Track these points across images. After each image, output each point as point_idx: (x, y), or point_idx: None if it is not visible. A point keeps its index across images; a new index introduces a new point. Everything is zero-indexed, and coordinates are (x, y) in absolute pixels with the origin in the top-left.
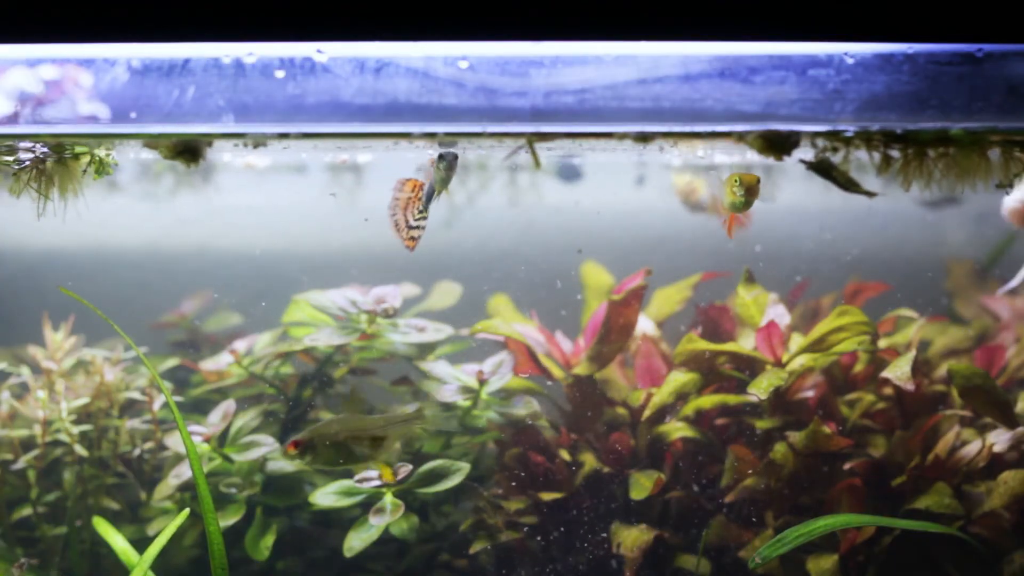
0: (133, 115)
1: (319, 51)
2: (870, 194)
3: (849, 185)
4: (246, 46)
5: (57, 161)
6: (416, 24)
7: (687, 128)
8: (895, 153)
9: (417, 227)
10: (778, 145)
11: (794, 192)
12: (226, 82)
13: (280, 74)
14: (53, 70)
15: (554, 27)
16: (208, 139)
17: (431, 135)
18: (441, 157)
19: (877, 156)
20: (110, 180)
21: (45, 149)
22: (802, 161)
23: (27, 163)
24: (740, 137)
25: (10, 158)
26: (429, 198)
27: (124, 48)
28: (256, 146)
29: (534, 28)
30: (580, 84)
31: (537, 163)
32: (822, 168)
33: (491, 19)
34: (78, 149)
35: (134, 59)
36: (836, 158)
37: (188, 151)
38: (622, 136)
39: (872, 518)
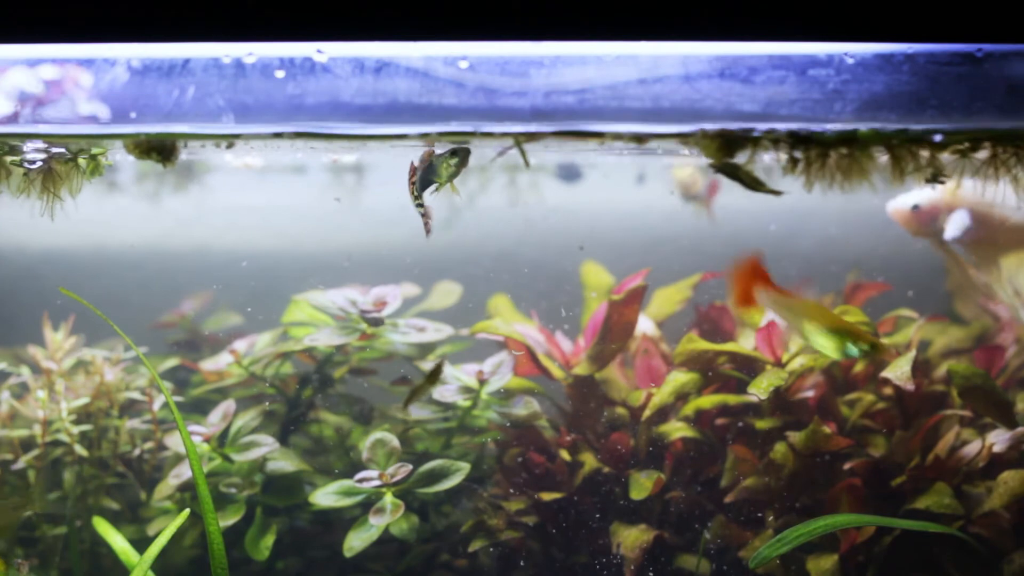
0: (133, 115)
1: (319, 51)
2: (776, 192)
3: (754, 185)
4: (246, 46)
5: (69, 161)
6: (416, 24)
7: (685, 128)
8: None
9: (420, 213)
10: (734, 145)
11: (794, 193)
12: (226, 82)
13: (280, 74)
14: (53, 70)
15: (554, 27)
16: (183, 138)
17: (431, 135)
18: (454, 153)
19: (784, 157)
20: (110, 180)
21: (62, 150)
22: (711, 165)
23: (40, 163)
24: (694, 137)
25: (18, 157)
26: (424, 187)
27: (124, 48)
28: (229, 146)
29: (534, 28)
30: (580, 84)
31: (527, 163)
32: (727, 170)
33: (491, 19)
34: (95, 150)
35: (134, 59)
36: (742, 158)
37: (156, 150)
38: (603, 137)
39: (872, 518)
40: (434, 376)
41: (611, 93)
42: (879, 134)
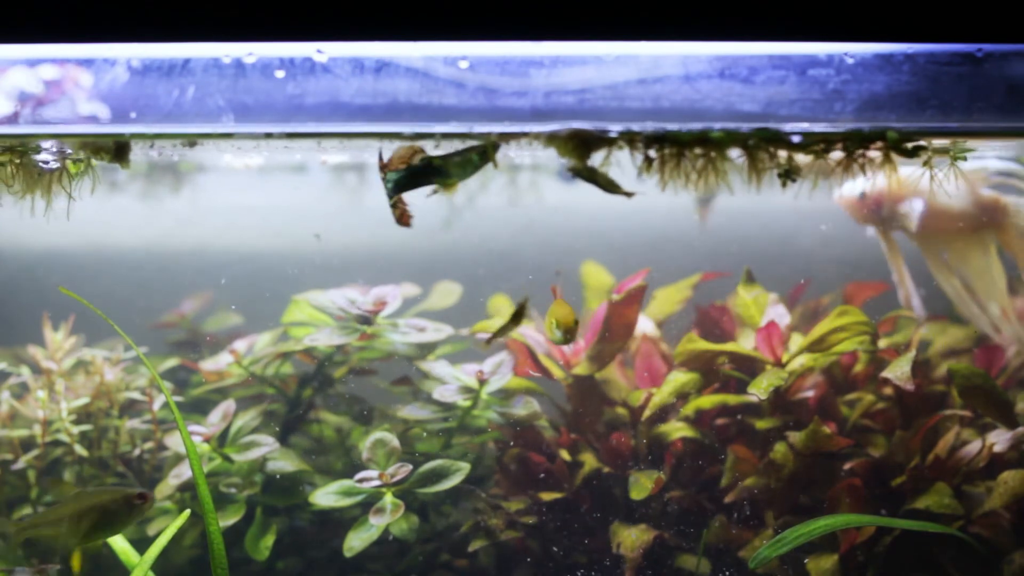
0: (133, 115)
1: (319, 51)
2: (628, 194)
3: (610, 187)
4: (246, 46)
5: (79, 161)
6: (416, 24)
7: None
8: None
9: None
10: (590, 145)
11: (796, 193)
12: (226, 82)
13: (280, 74)
14: (53, 70)
15: (554, 27)
16: (140, 139)
17: (432, 135)
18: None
19: (640, 157)
20: (111, 180)
21: (69, 151)
22: (569, 168)
23: (54, 162)
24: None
25: (37, 157)
26: (395, 187)
27: (124, 48)
28: (192, 145)
29: (534, 28)
30: (580, 84)
31: (495, 164)
32: (584, 173)
33: (491, 19)
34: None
35: (134, 59)
36: (597, 160)
37: (105, 150)
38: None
39: (872, 518)
40: (519, 315)
41: (611, 93)
42: (732, 134)
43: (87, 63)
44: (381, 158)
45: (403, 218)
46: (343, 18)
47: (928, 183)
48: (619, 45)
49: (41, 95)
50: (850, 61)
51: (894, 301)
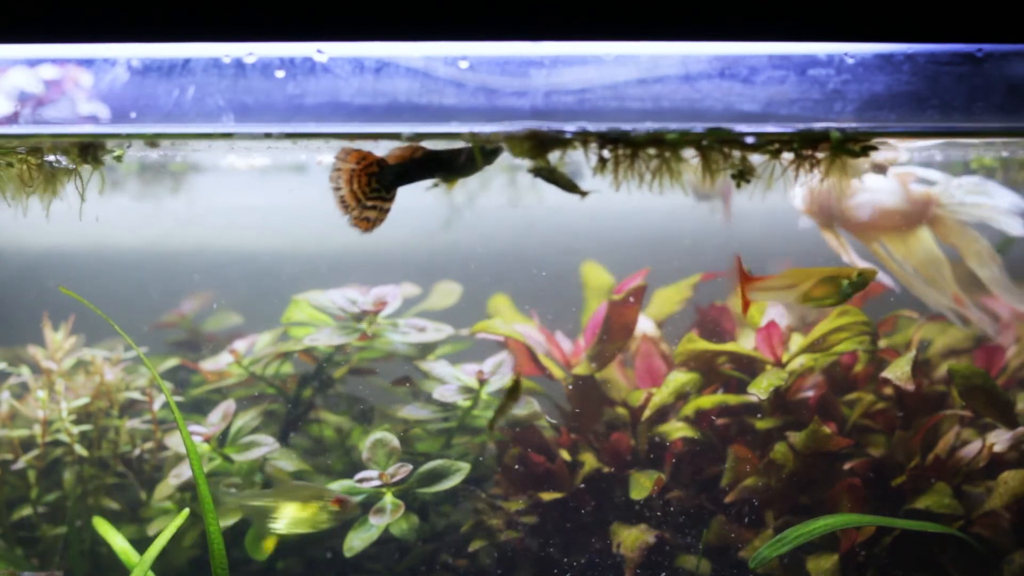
0: (133, 115)
1: (319, 51)
2: (583, 194)
3: (569, 187)
4: (246, 46)
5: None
6: (416, 24)
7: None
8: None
9: (372, 207)
10: (547, 145)
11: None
12: (226, 82)
13: (280, 74)
14: (53, 70)
15: (554, 27)
16: (105, 139)
17: (431, 135)
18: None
19: (594, 157)
20: (112, 180)
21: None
22: (530, 170)
23: (67, 163)
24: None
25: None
26: (395, 178)
27: (124, 48)
28: (153, 145)
29: (534, 28)
30: (580, 84)
31: (480, 164)
32: (543, 174)
33: (491, 19)
34: (118, 151)
35: (134, 59)
36: (553, 159)
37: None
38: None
39: (872, 518)
40: (514, 392)
41: (611, 93)
42: (686, 135)
43: (87, 63)
44: (341, 157)
45: (360, 223)
46: (343, 18)
47: (866, 181)
48: (619, 45)
49: (41, 95)
50: (850, 61)
51: (894, 301)
